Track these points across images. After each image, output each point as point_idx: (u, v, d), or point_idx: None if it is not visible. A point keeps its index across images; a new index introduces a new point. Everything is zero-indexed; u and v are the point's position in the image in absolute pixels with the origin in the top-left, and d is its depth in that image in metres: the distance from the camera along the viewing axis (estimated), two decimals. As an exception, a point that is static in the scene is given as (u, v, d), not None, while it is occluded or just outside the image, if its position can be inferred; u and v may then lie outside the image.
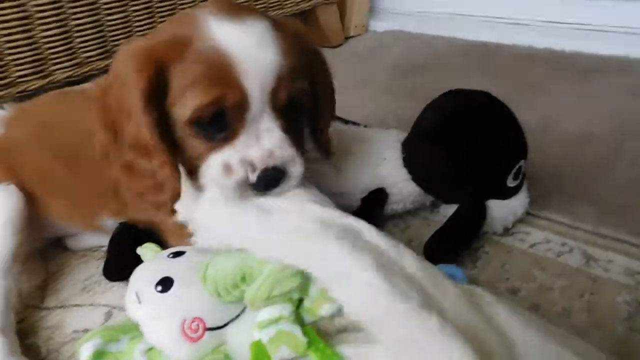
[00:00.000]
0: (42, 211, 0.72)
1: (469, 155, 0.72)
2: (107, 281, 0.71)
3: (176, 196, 0.56)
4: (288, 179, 0.55)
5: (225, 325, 0.51)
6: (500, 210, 0.75)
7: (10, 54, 0.93)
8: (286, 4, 1.60)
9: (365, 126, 0.93)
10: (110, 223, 0.73)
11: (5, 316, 0.61)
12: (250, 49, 0.51)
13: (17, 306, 0.67)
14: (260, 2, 1.49)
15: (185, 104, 0.52)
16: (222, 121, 0.53)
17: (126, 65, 0.53)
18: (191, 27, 0.52)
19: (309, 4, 1.70)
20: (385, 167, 0.77)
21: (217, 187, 0.55)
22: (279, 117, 0.54)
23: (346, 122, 0.92)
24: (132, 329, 0.54)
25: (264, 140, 0.54)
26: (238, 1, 1.33)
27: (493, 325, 0.45)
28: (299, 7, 1.66)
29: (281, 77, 0.52)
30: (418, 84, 1.43)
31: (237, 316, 0.51)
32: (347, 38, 1.96)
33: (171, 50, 0.52)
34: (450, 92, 0.79)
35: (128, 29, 1.11)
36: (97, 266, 0.75)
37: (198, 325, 0.50)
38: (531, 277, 0.69)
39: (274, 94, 0.53)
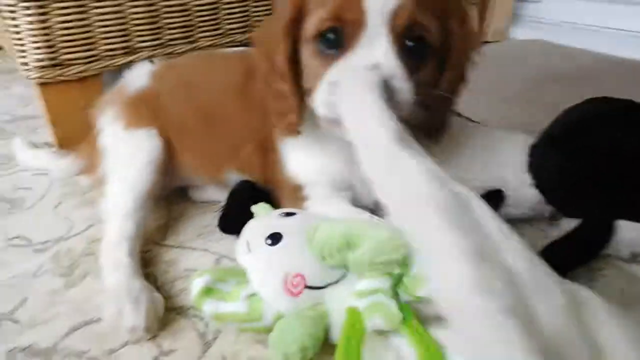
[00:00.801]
0: (175, 160, 0.80)
1: (602, 167, 0.66)
2: (220, 232, 0.77)
3: (299, 119, 0.62)
4: (394, 93, 0.53)
5: (324, 287, 0.52)
6: (631, 233, 0.68)
7: (166, 19, 1.03)
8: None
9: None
10: (233, 178, 0.79)
11: (135, 243, 0.69)
12: None
13: (143, 238, 0.75)
14: None
15: (313, 19, 0.56)
16: (339, 38, 0.55)
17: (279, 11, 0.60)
18: None
19: (447, 2, 1.66)
20: (509, 168, 0.74)
21: (323, 104, 0.57)
22: (398, 45, 0.54)
23: (472, 122, 0.89)
24: (240, 274, 0.58)
25: (372, 54, 0.54)
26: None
27: (589, 340, 0.41)
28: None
29: (405, 3, 0.53)
30: (553, 96, 1.34)
31: (337, 281, 0.53)
32: (484, 42, 1.89)
33: None
34: (592, 99, 0.73)
35: (269, 7, 1.18)
36: (213, 217, 0.81)
37: (299, 281, 0.52)
38: (656, 311, 0.61)
39: (394, 16, 0.53)
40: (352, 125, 0.50)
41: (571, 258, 0.66)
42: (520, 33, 1.98)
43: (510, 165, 0.74)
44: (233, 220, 0.73)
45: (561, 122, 0.73)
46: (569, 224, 0.72)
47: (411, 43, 0.55)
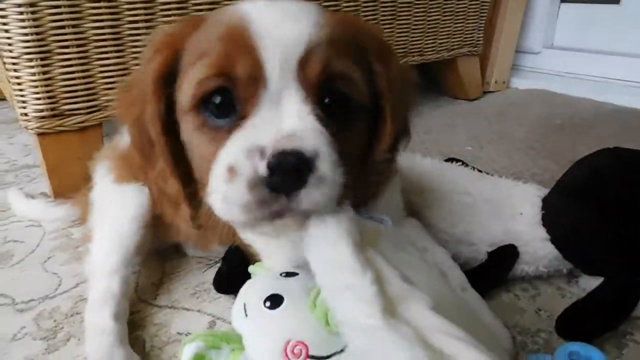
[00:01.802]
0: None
1: (627, 221, 0.62)
2: (215, 291, 0.72)
3: (194, 211, 0.48)
4: (316, 179, 0.38)
5: (328, 357, 0.47)
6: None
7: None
8: (426, 51, 1.59)
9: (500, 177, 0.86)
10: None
11: (121, 304, 0.64)
12: (273, 17, 0.41)
13: (131, 299, 0.71)
14: (400, 47, 1.50)
15: (190, 80, 0.42)
16: (229, 106, 0.42)
17: (148, 49, 0.47)
18: (223, 9, 0.45)
19: (450, 53, 1.67)
20: (521, 222, 0.70)
21: (222, 201, 0.40)
22: (313, 101, 0.41)
23: (478, 170, 0.86)
24: (235, 340, 0.53)
25: (283, 121, 0.39)
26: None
27: None
28: (439, 55, 1.64)
29: (315, 48, 0.40)
30: (558, 144, 1.32)
31: (342, 350, 0.48)
32: (485, 92, 1.90)
33: (189, 27, 0.45)
34: (606, 149, 0.71)
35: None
36: (209, 275, 0.76)
37: (301, 350, 0.47)
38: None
39: (302, 66, 0.40)
40: (325, 280, 0.44)
41: (596, 322, 0.61)
42: (522, 84, 2.00)
43: (522, 218, 0.71)
44: (229, 278, 0.69)
45: (574, 174, 0.70)
46: (588, 283, 0.68)
47: (331, 100, 0.42)
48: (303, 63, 0.40)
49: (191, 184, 0.47)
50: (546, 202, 0.70)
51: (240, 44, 0.40)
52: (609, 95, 1.74)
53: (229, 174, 0.38)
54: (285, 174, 0.37)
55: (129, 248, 0.69)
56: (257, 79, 0.40)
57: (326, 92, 0.42)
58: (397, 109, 0.48)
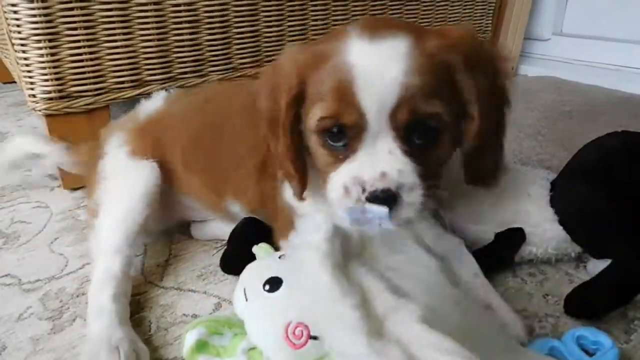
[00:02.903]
0: (178, 188, 0.76)
1: (635, 201, 0.62)
2: (222, 273, 0.72)
3: (304, 188, 0.59)
4: (400, 207, 0.50)
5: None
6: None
7: (176, 53, 1.02)
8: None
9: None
10: (234, 209, 0.75)
11: (121, 285, 0.64)
12: (373, 67, 0.49)
13: (138, 279, 0.71)
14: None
15: (313, 114, 0.53)
16: (342, 137, 0.52)
17: (281, 73, 0.56)
18: (335, 42, 0.53)
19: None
20: (529, 203, 0.69)
21: (340, 210, 0.52)
22: (403, 138, 0.51)
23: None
24: (237, 325, 0.53)
25: (378, 160, 0.50)
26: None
27: None
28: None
29: (405, 96, 0.49)
30: (567, 131, 1.30)
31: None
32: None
33: (312, 63, 0.53)
34: (615, 132, 0.70)
35: (281, 42, 1.17)
36: (215, 257, 0.76)
37: (302, 331, 0.47)
38: None
39: (394, 114, 0.50)
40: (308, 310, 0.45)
41: (604, 301, 0.61)
42: (531, 71, 1.97)
43: (530, 199, 0.70)
44: (235, 259, 0.69)
45: (583, 157, 0.70)
46: (596, 267, 0.67)
47: (419, 135, 0.52)
48: (394, 111, 0.49)
49: (303, 168, 0.58)
50: (555, 184, 0.70)
51: (348, 99, 0.50)
52: (619, 83, 1.71)
53: (344, 191, 0.51)
54: (379, 204, 0.49)
55: (134, 227, 0.69)
56: (359, 125, 0.50)
57: (414, 131, 0.51)
58: (487, 111, 0.54)
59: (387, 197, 0.49)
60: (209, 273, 0.73)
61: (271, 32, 1.15)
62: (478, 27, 1.70)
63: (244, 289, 0.55)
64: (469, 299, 0.54)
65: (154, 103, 0.82)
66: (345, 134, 0.52)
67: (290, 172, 0.58)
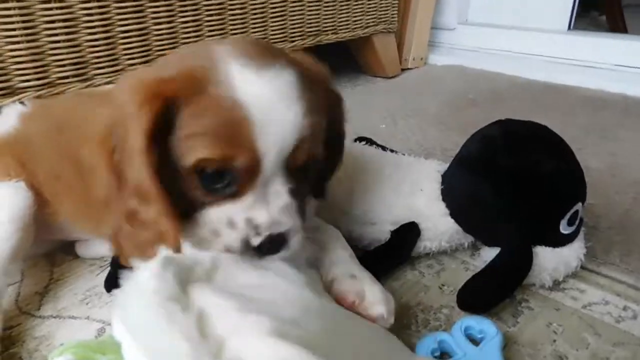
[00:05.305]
0: (52, 211, 0.69)
1: (516, 190, 0.63)
2: (107, 294, 0.67)
3: (177, 249, 0.50)
4: (288, 249, 0.50)
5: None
6: (550, 260, 0.64)
7: (52, 55, 0.93)
8: (340, 29, 1.57)
9: (403, 154, 0.85)
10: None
11: None
12: (271, 107, 0.45)
13: (11, 311, 0.64)
14: (314, 26, 1.47)
15: (191, 151, 0.46)
16: (228, 178, 0.48)
17: (131, 101, 0.46)
18: (209, 66, 0.46)
19: (365, 31, 1.66)
20: (421, 198, 0.70)
21: (216, 242, 0.50)
22: (291, 180, 0.50)
23: (384, 148, 0.84)
24: (111, 350, 0.49)
25: (272, 204, 0.48)
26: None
27: None
28: (354, 33, 1.62)
29: (302, 139, 0.47)
30: (471, 118, 1.34)
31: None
32: (404, 70, 1.91)
33: (183, 89, 0.46)
34: (499, 121, 0.71)
35: (174, 40, 1.11)
36: (102, 277, 0.70)
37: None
38: (583, 343, 0.58)
39: (292, 158, 0.48)
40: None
41: (494, 291, 0.62)
42: (439, 60, 2.03)
43: (422, 194, 0.70)
44: (118, 278, 0.64)
45: (469, 147, 0.71)
46: (489, 254, 0.69)
47: (306, 174, 0.52)
48: (293, 153, 0.47)
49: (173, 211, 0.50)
50: (445, 177, 0.70)
51: (239, 140, 0.45)
52: (522, 70, 1.80)
53: (228, 224, 0.48)
54: (270, 250, 0.49)
55: (3, 254, 0.62)
56: (253, 170, 0.47)
57: (306, 171, 0.51)
58: (340, 152, 0.61)
59: (282, 243, 0.49)
60: (94, 295, 0.68)
61: (161, 29, 1.09)
62: (384, 17, 1.72)
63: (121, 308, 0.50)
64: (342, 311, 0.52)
65: (7, 120, 0.72)
66: (230, 176, 0.47)
67: (166, 228, 0.49)
